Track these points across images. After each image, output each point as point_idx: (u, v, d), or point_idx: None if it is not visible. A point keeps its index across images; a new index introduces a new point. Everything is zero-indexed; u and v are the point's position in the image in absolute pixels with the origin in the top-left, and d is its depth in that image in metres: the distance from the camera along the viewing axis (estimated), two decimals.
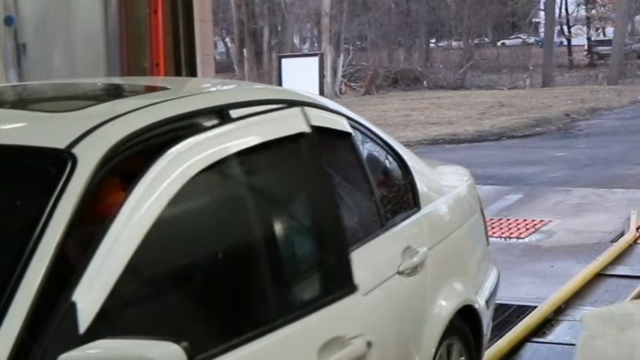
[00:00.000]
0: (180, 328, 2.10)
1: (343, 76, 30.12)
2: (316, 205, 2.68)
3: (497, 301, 4.19)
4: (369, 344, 2.58)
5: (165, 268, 2.16)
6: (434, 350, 3.20)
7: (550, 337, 5.23)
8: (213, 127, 2.38)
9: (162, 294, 2.13)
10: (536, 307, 5.49)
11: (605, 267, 6.56)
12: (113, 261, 1.93)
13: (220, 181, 2.39)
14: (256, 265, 2.42)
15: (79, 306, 1.82)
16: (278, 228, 2.54)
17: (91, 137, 2.09)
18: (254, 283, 2.40)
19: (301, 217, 2.72)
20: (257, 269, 2.41)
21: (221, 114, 2.43)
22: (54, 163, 2.02)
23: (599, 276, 6.37)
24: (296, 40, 34.93)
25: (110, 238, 1.94)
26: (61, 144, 2.06)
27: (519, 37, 40.13)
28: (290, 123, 2.66)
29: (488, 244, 4.16)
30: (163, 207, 2.08)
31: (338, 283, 2.58)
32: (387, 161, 3.41)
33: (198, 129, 2.35)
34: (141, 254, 1.98)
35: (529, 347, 5.05)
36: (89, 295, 1.85)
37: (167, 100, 2.50)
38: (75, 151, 2.04)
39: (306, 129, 2.68)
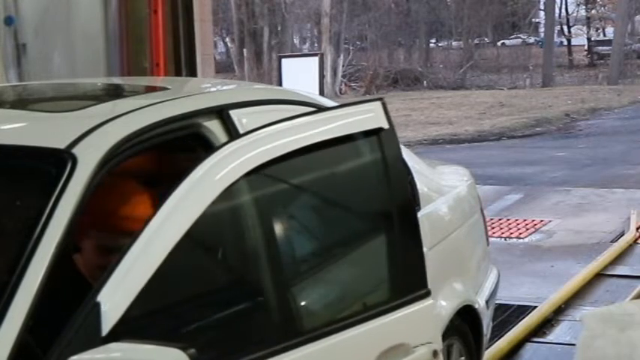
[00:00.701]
0: (223, 333, 2.07)
1: (343, 76, 30.11)
2: (392, 202, 2.52)
3: (497, 301, 4.18)
4: (435, 353, 2.46)
5: (209, 267, 2.12)
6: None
7: (550, 337, 5.23)
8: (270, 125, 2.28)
9: (203, 296, 2.08)
10: (536, 307, 5.49)
11: (605, 267, 6.56)
12: (144, 264, 1.88)
13: (283, 176, 2.31)
14: (318, 265, 2.36)
15: (102, 308, 1.79)
16: (348, 224, 2.46)
17: (91, 137, 2.09)
18: (311, 285, 2.34)
19: (376, 215, 2.59)
20: (318, 270, 2.35)
21: (221, 114, 2.42)
22: (54, 163, 2.02)
23: (599, 276, 6.38)
24: (296, 40, 34.91)
25: (143, 240, 1.89)
26: (61, 144, 2.06)
27: (519, 37, 40.12)
28: (368, 118, 2.52)
29: (488, 244, 4.16)
30: (213, 203, 2.02)
31: (410, 286, 2.46)
32: None
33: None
34: (177, 258, 1.93)
35: (529, 347, 5.05)
36: (115, 297, 1.81)
37: (167, 100, 2.50)
38: (75, 151, 2.04)
39: (385, 124, 2.53)
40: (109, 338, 1.78)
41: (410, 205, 2.59)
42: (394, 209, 2.52)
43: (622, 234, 7.55)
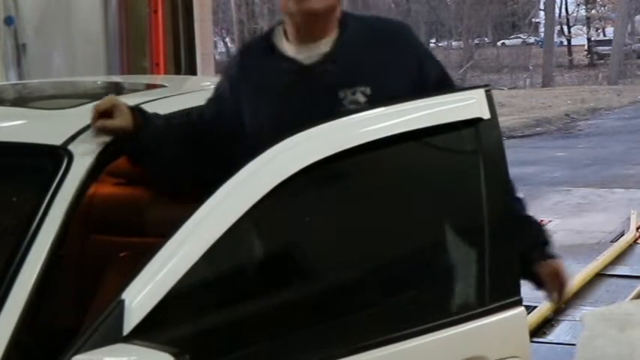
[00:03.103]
0: (270, 338, 1.94)
1: None
2: (486, 200, 2.25)
3: None
4: None
5: (255, 270, 2.00)
6: None
7: (550, 337, 5.23)
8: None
9: (241, 301, 1.95)
10: (536, 307, 5.48)
11: (605, 267, 6.56)
12: (178, 262, 1.78)
13: (358, 170, 2.13)
14: (394, 265, 2.18)
15: (127, 305, 1.71)
16: (433, 223, 2.26)
17: (88, 134, 2.09)
18: (382, 286, 2.17)
19: (467, 214, 2.31)
20: (394, 270, 2.17)
21: None
22: (50, 160, 2.01)
23: (599, 276, 6.38)
24: None
25: (178, 238, 1.80)
26: (57, 141, 2.06)
27: (519, 37, 40.12)
28: (465, 106, 2.25)
29: None
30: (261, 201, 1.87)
31: (499, 292, 2.23)
32: None
33: None
34: (212, 259, 1.82)
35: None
36: (141, 296, 1.74)
37: (164, 98, 2.50)
38: (71, 147, 2.03)
39: (486, 114, 2.26)
40: (131, 338, 1.71)
41: (508, 204, 2.33)
42: (489, 208, 2.25)
43: (622, 234, 7.55)
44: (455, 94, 2.29)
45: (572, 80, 33.31)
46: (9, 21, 5.25)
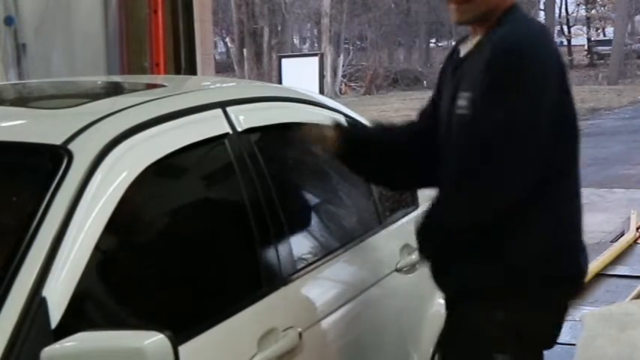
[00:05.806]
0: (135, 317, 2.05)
1: (343, 76, 30.13)
2: (247, 200, 2.48)
3: None
4: (300, 335, 2.48)
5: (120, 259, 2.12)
6: (432, 350, 3.19)
7: None
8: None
9: (119, 285, 2.08)
10: None
11: (605, 267, 6.57)
12: (77, 253, 1.88)
13: (171, 176, 2.35)
14: (196, 261, 2.34)
15: (49, 301, 1.79)
16: (207, 226, 2.44)
17: (87, 133, 2.09)
18: (199, 274, 2.33)
19: (236, 210, 2.54)
20: (192, 266, 2.33)
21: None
22: (50, 159, 2.01)
23: (599, 276, 6.38)
24: (296, 40, 34.94)
25: (73, 229, 1.90)
26: (57, 140, 2.06)
27: None
28: (209, 126, 2.49)
29: None
30: (125, 194, 2.05)
31: (268, 277, 2.48)
32: None
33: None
34: (103, 244, 1.95)
35: None
36: (58, 290, 1.81)
37: (164, 97, 2.50)
38: (71, 147, 2.03)
39: (229, 129, 2.50)
40: (59, 332, 1.77)
41: (263, 201, 2.53)
42: (251, 206, 2.46)
43: (622, 234, 7.56)
44: (197, 114, 2.45)
45: (572, 80, 33.26)
46: (9, 21, 5.26)
